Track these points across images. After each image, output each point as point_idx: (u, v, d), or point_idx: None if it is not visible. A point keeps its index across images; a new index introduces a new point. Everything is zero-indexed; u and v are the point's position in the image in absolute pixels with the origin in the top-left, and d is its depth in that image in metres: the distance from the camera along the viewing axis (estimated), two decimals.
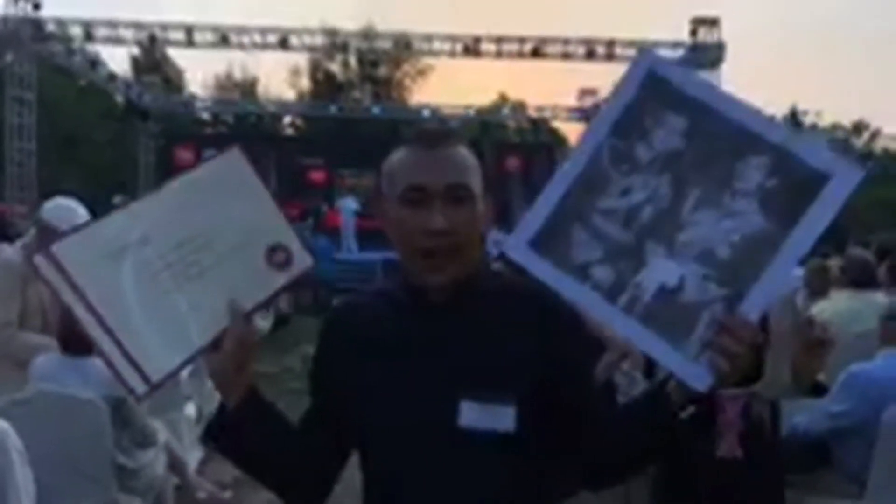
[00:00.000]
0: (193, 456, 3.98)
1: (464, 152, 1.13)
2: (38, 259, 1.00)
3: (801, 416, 2.69)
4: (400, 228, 1.11)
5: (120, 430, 2.84)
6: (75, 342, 2.79)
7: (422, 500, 1.09)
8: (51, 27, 15.83)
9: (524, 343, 1.10)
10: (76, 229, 1.03)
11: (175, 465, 3.39)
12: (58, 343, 2.85)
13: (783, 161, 0.93)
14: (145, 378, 1.01)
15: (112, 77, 19.19)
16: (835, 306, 3.64)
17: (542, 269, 0.99)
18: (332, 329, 1.23)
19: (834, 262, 4.88)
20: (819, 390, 2.79)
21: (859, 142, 30.70)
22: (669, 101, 0.97)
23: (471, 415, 1.06)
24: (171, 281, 1.04)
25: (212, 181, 1.09)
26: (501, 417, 1.06)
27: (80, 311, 1.01)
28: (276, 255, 1.10)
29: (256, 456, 1.14)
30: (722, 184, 0.94)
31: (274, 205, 1.12)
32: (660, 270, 0.94)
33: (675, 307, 0.93)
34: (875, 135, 30.71)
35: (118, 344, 1.00)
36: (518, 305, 1.13)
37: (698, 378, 0.91)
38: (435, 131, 1.16)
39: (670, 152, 0.96)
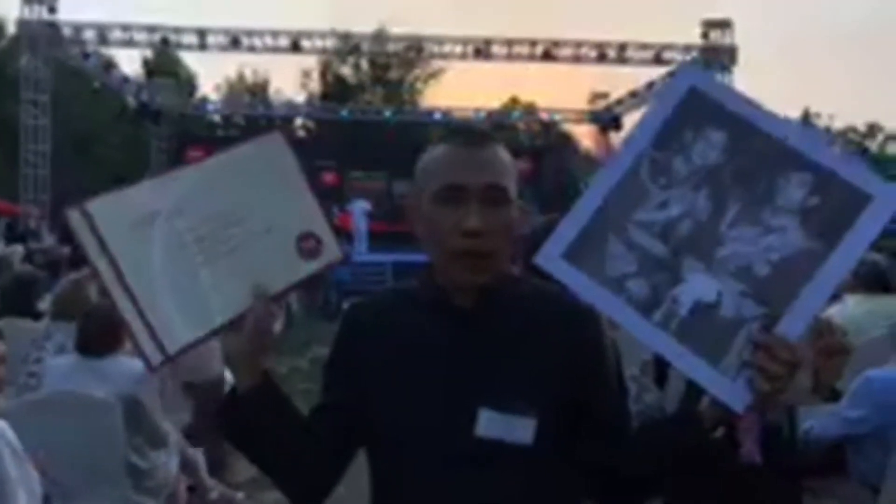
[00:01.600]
0: (205, 457, 4.00)
1: (502, 154, 1.11)
2: (73, 214, 1.00)
3: (814, 420, 2.67)
4: (433, 227, 1.08)
5: (133, 430, 2.86)
6: (93, 343, 2.82)
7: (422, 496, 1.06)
8: (66, 31, 15.97)
9: (549, 354, 1.07)
10: (111, 192, 1.03)
11: (188, 465, 3.40)
12: (76, 343, 2.88)
13: (825, 180, 0.92)
14: (161, 348, 1.00)
15: (125, 79, 19.32)
16: (847, 311, 3.62)
17: (577, 281, 0.97)
18: (352, 326, 1.19)
19: None
20: (833, 396, 2.78)
21: (873, 144, 30.48)
22: (710, 115, 0.96)
23: (489, 424, 1.03)
24: (199, 255, 1.03)
25: (251, 161, 1.08)
26: (521, 429, 1.03)
27: (105, 272, 0.99)
28: (307, 243, 1.09)
29: (263, 443, 1.10)
30: (762, 200, 0.93)
31: (310, 193, 1.10)
32: (697, 285, 0.92)
33: (711, 324, 0.91)
34: (889, 138, 30.49)
35: (140, 311, 0.99)
36: (544, 314, 1.10)
37: (736, 398, 0.89)
38: (474, 130, 1.13)
39: (710, 167, 0.95)
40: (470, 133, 1.12)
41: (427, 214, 1.09)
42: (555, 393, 1.06)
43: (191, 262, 1.03)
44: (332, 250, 1.10)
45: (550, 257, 0.99)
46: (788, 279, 0.90)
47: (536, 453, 1.03)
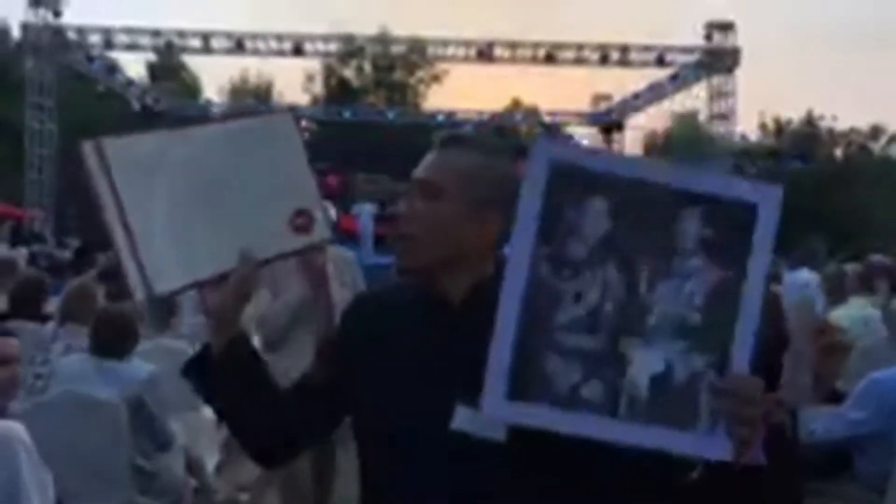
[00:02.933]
0: (211, 458, 4.01)
1: (459, 157, 1.16)
2: (87, 146, 1.05)
3: (818, 422, 2.67)
4: None
5: (139, 432, 2.87)
6: (105, 345, 2.85)
7: (409, 497, 1.09)
8: (70, 35, 16.04)
9: None
10: (126, 135, 1.11)
11: (193, 466, 3.41)
12: (90, 344, 2.90)
13: (711, 206, 0.91)
14: (147, 285, 1.06)
15: (129, 83, 19.39)
16: (853, 312, 3.62)
17: (534, 417, 0.92)
18: (351, 315, 1.26)
19: (850, 268, 4.85)
20: (836, 397, 2.78)
21: (876, 146, 30.41)
22: (582, 185, 0.92)
23: (463, 419, 1.05)
24: (197, 209, 1.09)
25: (260, 132, 1.14)
26: (494, 426, 1.03)
27: (108, 205, 1.05)
28: (300, 219, 1.14)
29: (233, 399, 1.16)
30: (666, 251, 0.91)
31: (310, 172, 1.16)
32: (644, 362, 0.90)
33: (672, 392, 0.90)
34: (892, 139, 30.39)
35: (133, 248, 1.05)
36: None
37: (718, 448, 0.90)
38: (449, 134, 1.21)
39: (603, 238, 0.92)
40: (444, 136, 1.20)
41: None
42: None
43: (188, 214, 1.09)
44: (322, 230, 1.15)
45: (497, 406, 0.92)
46: (719, 317, 0.90)
47: (510, 450, 1.04)
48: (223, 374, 1.13)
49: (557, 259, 0.92)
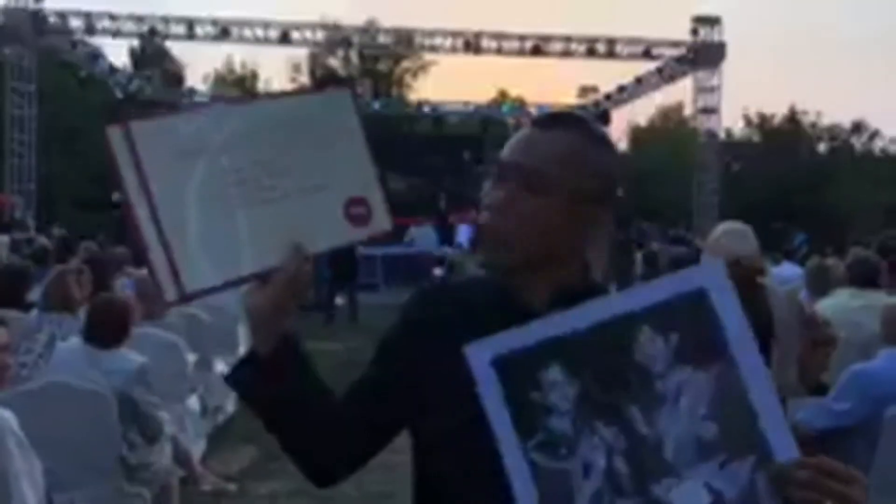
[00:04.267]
0: (197, 448, 4.01)
1: (563, 139, 1.01)
2: (112, 130, 0.92)
3: (803, 413, 2.71)
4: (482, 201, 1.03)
5: (128, 424, 2.87)
6: (98, 334, 2.83)
7: (467, 501, 1.00)
8: (52, 19, 15.80)
9: None
10: (158, 116, 0.95)
11: (180, 456, 3.41)
12: (83, 332, 2.89)
13: (659, 316, 0.84)
14: (180, 287, 0.93)
15: (112, 70, 19.16)
16: (837, 305, 3.66)
17: None
18: (417, 308, 1.11)
19: (832, 262, 4.90)
20: (820, 389, 2.82)
21: (858, 142, 30.74)
22: (531, 365, 0.86)
23: None
24: (239, 198, 0.96)
25: (313, 112, 1.01)
26: None
27: (136, 199, 0.91)
28: (356, 208, 1.02)
29: (285, 410, 1.02)
30: (644, 380, 0.84)
31: (369, 157, 1.04)
32: (687, 500, 0.81)
33: None
34: (874, 135, 30.75)
35: (165, 245, 0.92)
36: None
37: None
38: (552, 113, 1.06)
39: (577, 400, 0.85)
40: (544, 115, 1.06)
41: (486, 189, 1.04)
42: None
43: (229, 205, 0.95)
44: (381, 221, 1.03)
45: None
46: (734, 415, 0.81)
47: None
48: (273, 381, 0.99)
49: (549, 448, 0.85)
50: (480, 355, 0.88)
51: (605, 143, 1.05)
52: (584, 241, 1.02)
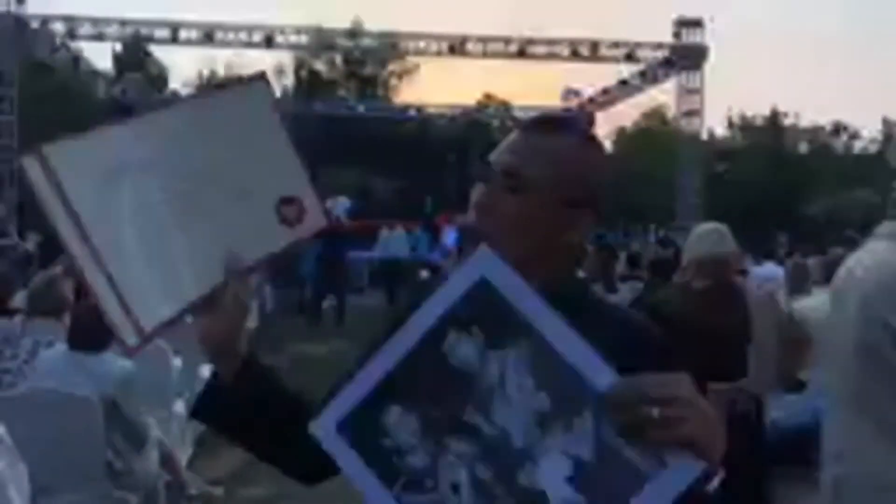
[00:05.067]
0: (184, 453, 4.00)
1: (550, 143, 1.00)
2: (27, 160, 0.84)
3: (782, 410, 2.76)
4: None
5: (114, 429, 2.86)
6: (82, 339, 2.83)
7: None
8: (34, 24, 15.68)
9: None
10: (72, 137, 0.87)
11: (167, 461, 3.40)
12: (67, 338, 2.89)
13: (455, 315, 0.83)
14: (138, 328, 0.87)
15: (95, 74, 19.03)
16: (816, 304, 3.72)
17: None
18: (407, 309, 1.08)
19: (812, 262, 4.98)
20: (798, 387, 2.88)
21: (838, 143, 31.09)
22: (374, 415, 0.87)
23: None
24: (171, 217, 0.90)
25: (231, 111, 0.95)
26: None
27: (67, 234, 0.84)
28: (289, 208, 0.98)
29: (260, 429, 1.03)
30: (469, 384, 0.82)
31: (294, 152, 0.98)
32: (551, 477, 0.79)
33: (600, 471, 0.77)
34: (854, 136, 31.12)
35: (111, 281, 0.85)
36: (603, 335, 0.91)
37: (684, 472, 0.73)
38: (543, 116, 1.06)
39: (421, 429, 0.85)
40: (533, 117, 1.06)
41: None
42: None
43: (162, 225, 0.89)
44: (316, 217, 0.99)
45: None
46: (554, 374, 0.79)
47: None
48: (240, 405, 0.99)
49: (414, 484, 0.85)
50: (326, 427, 0.86)
51: (593, 146, 1.04)
52: (563, 243, 1.01)
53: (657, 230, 17.46)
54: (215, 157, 0.93)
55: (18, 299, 4.04)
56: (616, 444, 0.75)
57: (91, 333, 2.88)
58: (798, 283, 4.52)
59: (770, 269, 6.93)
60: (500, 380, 0.82)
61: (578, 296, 1.02)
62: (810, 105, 60.65)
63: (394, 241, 13.43)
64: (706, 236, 2.64)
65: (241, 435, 1.04)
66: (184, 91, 27.51)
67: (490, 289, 0.83)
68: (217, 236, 0.93)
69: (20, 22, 15.39)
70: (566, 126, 1.03)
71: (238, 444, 1.06)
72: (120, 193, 0.87)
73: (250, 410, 1.00)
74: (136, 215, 0.88)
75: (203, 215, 0.92)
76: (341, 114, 22.77)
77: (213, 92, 0.97)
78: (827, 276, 4.00)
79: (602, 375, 0.77)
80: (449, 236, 13.44)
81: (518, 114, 23.33)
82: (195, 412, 1.02)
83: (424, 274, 11.95)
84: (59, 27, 15.98)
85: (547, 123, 1.04)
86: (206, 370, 4.96)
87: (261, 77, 0.98)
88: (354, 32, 19.60)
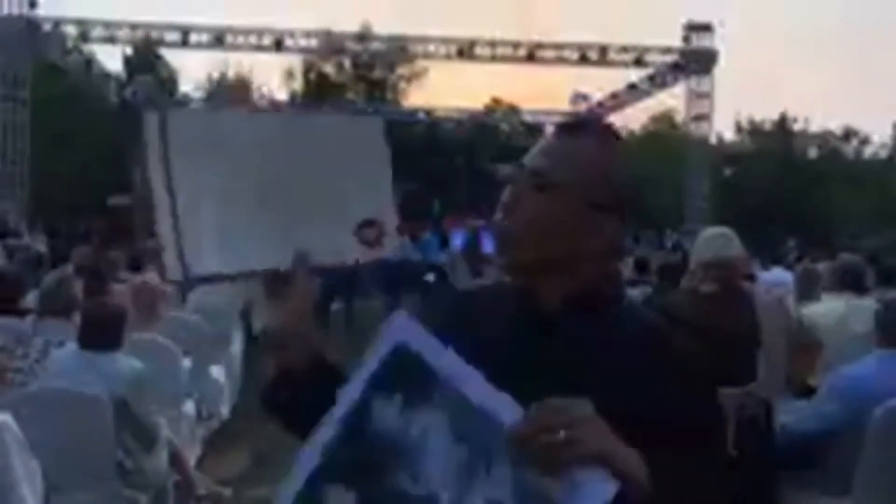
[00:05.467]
0: (192, 452, 4.02)
1: (583, 149, 1.00)
2: (149, 116, 0.96)
3: (790, 415, 2.75)
4: None
5: (124, 430, 2.88)
6: (93, 338, 2.85)
7: None
8: (46, 26, 15.80)
9: (619, 391, 0.86)
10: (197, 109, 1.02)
11: (176, 460, 3.42)
12: (78, 337, 2.91)
13: (378, 382, 0.87)
14: (185, 268, 0.96)
15: (106, 77, 19.16)
16: (825, 310, 3.71)
17: None
18: (433, 315, 1.06)
19: (821, 267, 4.96)
20: (808, 392, 2.87)
21: (848, 148, 30.94)
22: (317, 499, 0.89)
23: None
24: (257, 200, 0.99)
25: (347, 133, 1.06)
26: None
27: (157, 180, 0.95)
28: (370, 231, 1.06)
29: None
30: (396, 448, 0.85)
31: (390, 188, 1.09)
32: None
33: None
34: (864, 141, 30.97)
35: (176, 228, 0.95)
36: (634, 348, 0.94)
37: (599, 490, 0.74)
38: (573, 120, 1.09)
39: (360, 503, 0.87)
40: (567, 121, 1.08)
41: None
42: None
43: (246, 204, 0.99)
44: (388, 246, 1.08)
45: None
46: (471, 423, 0.82)
47: None
48: (312, 403, 0.95)
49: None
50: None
51: (623, 152, 1.05)
52: (588, 249, 0.98)
53: (671, 235, 17.38)
54: (317, 164, 1.02)
55: (30, 299, 4.07)
56: (532, 480, 0.76)
57: (101, 333, 2.90)
58: (808, 289, 4.49)
59: (778, 274, 6.90)
60: (423, 439, 0.83)
61: (603, 302, 0.99)
62: (820, 110, 60.45)
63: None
64: (713, 240, 2.64)
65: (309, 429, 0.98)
66: (195, 94, 27.65)
67: (407, 352, 0.86)
68: (295, 231, 1.00)
69: (32, 25, 15.51)
70: (597, 130, 1.03)
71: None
72: (217, 164, 0.97)
73: (320, 407, 0.96)
74: (225, 186, 0.97)
75: (286, 208, 1.00)
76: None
77: (334, 115, 1.10)
78: (837, 282, 3.98)
79: (509, 413, 0.78)
80: (456, 239, 13.44)
81: (526, 118, 23.34)
82: (265, 407, 1.00)
83: (431, 277, 11.96)
84: (70, 30, 16.09)
85: (578, 127, 1.04)
86: (215, 371, 4.98)
87: (380, 118, 1.14)
88: (363, 36, 19.65)
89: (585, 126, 1.05)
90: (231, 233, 0.98)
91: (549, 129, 1.12)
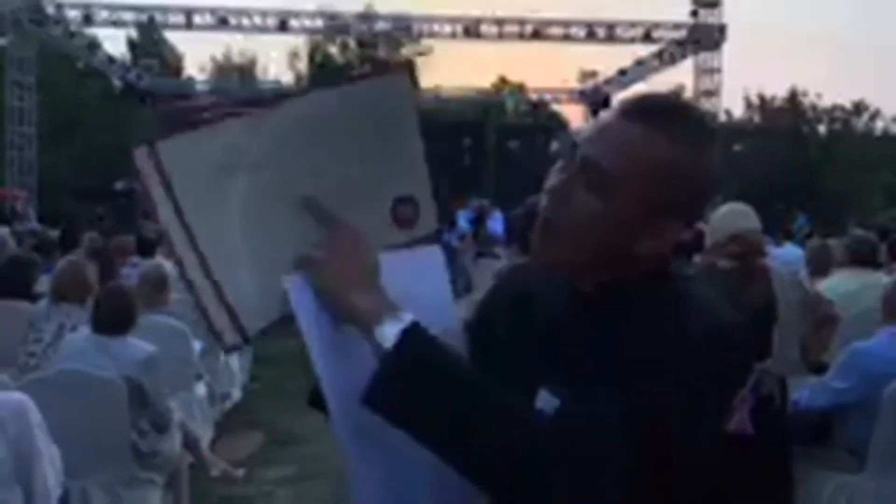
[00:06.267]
0: (205, 435, 4.05)
1: (647, 139, 0.85)
2: (138, 153, 0.82)
3: (803, 391, 2.75)
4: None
5: (137, 412, 2.91)
6: (106, 323, 2.87)
7: None
8: (50, 10, 15.75)
9: (629, 384, 0.81)
10: (185, 132, 0.84)
11: (190, 443, 3.45)
12: (91, 322, 2.93)
13: None
14: (240, 329, 0.85)
15: (111, 60, 19.11)
16: (837, 285, 3.69)
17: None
18: (496, 292, 1.05)
19: (833, 243, 4.93)
20: (821, 368, 2.86)
21: (859, 122, 30.62)
22: None
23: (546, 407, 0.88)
24: (283, 211, 0.86)
25: (367, 104, 0.89)
26: None
27: (174, 232, 0.82)
28: (404, 209, 0.93)
29: (444, 415, 0.81)
30: None
31: (422, 155, 0.94)
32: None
33: None
34: (875, 116, 30.64)
35: (215, 285, 0.83)
36: (655, 339, 0.84)
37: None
38: (637, 100, 0.90)
39: None
40: (631, 101, 0.90)
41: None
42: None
43: (272, 221, 0.86)
44: (427, 223, 0.95)
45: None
46: None
47: None
48: (416, 384, 0.81)
49: None
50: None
51: (698, 144, 0.87)
52: (643, 251, 0.88)
53: None
54: (338, 151, 0.88)
55: (42, 283, 4.09)
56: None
57: (113, 317, 2.92)
58: (819, 265, 4.47)
59: (790, 251, 6.87)
60: None
61: (659, 296, 0.89)
62: (830, 86, 59.79)
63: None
64: (731, 213, 2.62)
65: (419, 425, 0.83)
66: (199, 77, 27.59)
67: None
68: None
69: (36, 8, 15.46)
70: (673, 118, 0.87)
71: (427, 436, 0.83)
72: (229, 191, 0.84)
73: (426, 391, 0.82)
74: (243, 212, 0.85)
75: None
76: None
77: (349, 83, 0.91)
78: (849, 257, 3.96)
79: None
80: (462, 219, 13.42)
81: (533, 96, 23.17)
82: (366, 400, 0.82)
83: None
84: (74, 14, 16.03)
85: (652, 111, 0.87)
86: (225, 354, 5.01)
87: (404, 68, 0.97)
88: (368, 16, 19.49)
89: (656, 111, 0.87)
90: (264, 264, 0.85)
91: (556, 108, 1.01)
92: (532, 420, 0.83)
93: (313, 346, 0.84)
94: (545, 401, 0.87)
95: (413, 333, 0.82)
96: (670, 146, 0.85)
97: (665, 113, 0.87)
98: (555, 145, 18.18)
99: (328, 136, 0.88)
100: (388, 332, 0.82)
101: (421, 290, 0.91)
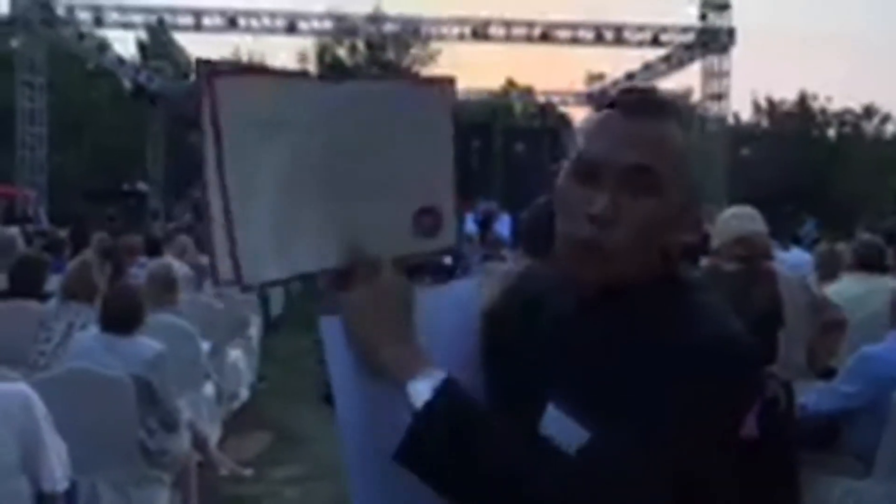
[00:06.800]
0: (213, 434, 4.08)
1: (666, 130, 0.87)
2: (202, 83, 0.81)
3: (811, 395, 2.74)
4: (561, 202, 0.90)
5: (146, 410, 2.93)
6: (115, 321, 2.89)
7: None
8: (60, 11, 15.85)
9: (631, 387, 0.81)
10: (246, 70, 0.85)
11: (198, 442, 3.47)
12: (99, 321, 2.95)
13: None
14: (238, 277, 0.84)
15: (121, 61, 19.22)
16: (845, 289, 3.68)
17: None
18: (506, 296, 1.05)
19: (841, 248, 4.91)
20: (828, 373, 2.85)
21: (869, 126, 30.47)
22: None
23: (550, 423, 0.87)
24: (311, 185, 0.86)
25: (411, 106, 0.90)
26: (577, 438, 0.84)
27: (209, 165, 0.81)
28: (427, 219, 0.93)
29: (485, 467, 0.78)
30: None
31: (452, 166, 0.95)
32: None
33: None
34: (885, 119, 30.46)
35: (229, 223, 0.82)
36: (658, 346, 0.82)
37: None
38: (641, 97, 0.90)
39: None
40: (636, 99, 0.89)
41: (559, 185, 0.90)
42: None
43: (301, 195, 0.86)
44: (447, 236, 0.95)
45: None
46: None
47: None
48: (452, 440, 0.78)
49: None
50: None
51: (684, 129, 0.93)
52: (681, 244, 0.88)
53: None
54: (376, 143, 0.89)
55: (52, 283, 4.12)
56: None
57: (122, 316, 2.94)
58: (827, 269, 4.46)
59: (798, 255, 6.85)
60: None
61: (661, 298, 0.88)
62: (840, 90, 59.51)
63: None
64: (737, 217, 2.62)
65: (453, 481, 0.80)
66: None
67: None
68: (349, 222, 0.89)
69: (47, 9, 15.56)
70: (674, 110, 0.91)
71: (456, 496, 0.81)
72: (273, 145, 0.84)
73: (460, 447, 0.78)
74: (280, 174, 0.84)
75: (343, 196, 0.88)
76: None
77: (397, 81, 0.94)
78: (856, 261, 3.94)
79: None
80: (469, 223, 13.42)
81: (541, 99, 23.16)
82: (399, 457, 0.80)
83: (448, 260, 11.96)
84: (85, 15, 16.14)
85: (652, 105, 0.89)
86: (233, 353, 5.03)
87: (450, 82, 0.94)
88: (376, 17, 19.53)
89: (656, 104, 0.89)
90: (285, 228, 0.85)
91: (564, 110, 1.01)
92: (567, 466, 0.80)
93: (336, 383, 0.87)
94: (552, 417, 0.87)
95: (447, 390, 0.80)
96: (682, 135, 0.90)
97: (667, 104, 0.91)
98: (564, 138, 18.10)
99: (370, 123, 0.89)
100: (422, 389, 0.80)
101: (448, 324, 0.93)
